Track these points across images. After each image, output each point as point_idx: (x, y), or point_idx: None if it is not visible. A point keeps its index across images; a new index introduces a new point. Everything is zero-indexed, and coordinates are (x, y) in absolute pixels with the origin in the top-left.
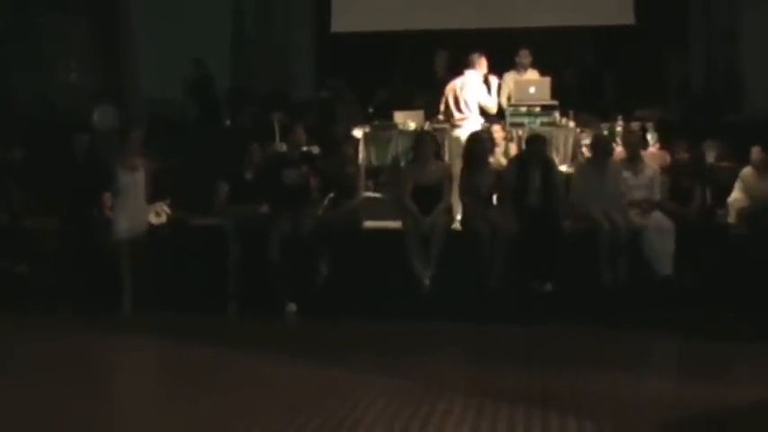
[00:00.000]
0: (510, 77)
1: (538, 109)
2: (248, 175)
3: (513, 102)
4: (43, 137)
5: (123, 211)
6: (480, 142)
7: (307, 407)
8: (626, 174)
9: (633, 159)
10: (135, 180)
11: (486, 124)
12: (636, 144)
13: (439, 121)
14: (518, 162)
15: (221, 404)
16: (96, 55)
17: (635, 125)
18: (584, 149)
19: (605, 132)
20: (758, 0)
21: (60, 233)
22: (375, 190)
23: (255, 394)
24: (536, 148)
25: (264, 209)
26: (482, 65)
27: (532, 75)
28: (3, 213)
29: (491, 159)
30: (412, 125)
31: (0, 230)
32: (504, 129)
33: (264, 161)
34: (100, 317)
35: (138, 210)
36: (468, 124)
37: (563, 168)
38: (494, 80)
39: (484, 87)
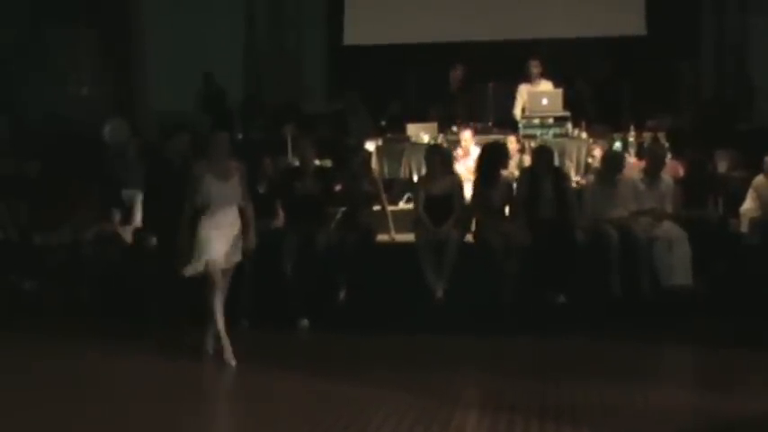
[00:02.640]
0: (524, 89)
1: (551, 120)
2: (260, 189)
3: (526, 113)
4: (55, 150)
5: (216, 229)
6: (492, 154)
7: (320, 422)
8: (641, 185)
9: (653, 171)
10: (228, 190)
11: (501, 136)
12: (660, 156)
13: (452, 133)
14: (529, 173)
15: (234, 419)
16: (107, 68)
17: (647, 135)
18: (590, 160)
19: (618, 143)
20: (766, 12)
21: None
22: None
23: (268, 409)
24: (543, 159)
25: (278, 223)
26: None
27: (545, 85)
28: (11, 229)
29: (504, 171)
30: (425, 138)
31: (9, 246)
32: (518, 140)
33: (277, 175)
34: (108, 334)
35: (233, 227)
36: None
37: (576, 179)
38: None
39: None
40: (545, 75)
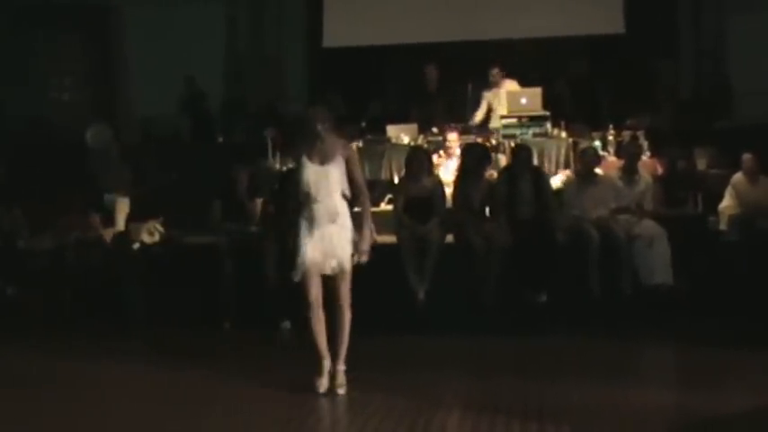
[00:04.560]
0: (487, 95)
1: (527, 120)
2: (240, 191)
3: (505, 113)
4: (37, 155)
5: (313, 229)
6: (474, 154)
7: (303, 422)
8: (619, 183)
9: (630, 169)
10: (327, 177)
11: (482, 136)
12: (636, 154)
13: (433, 134)
14: (507, 173)
15: (218, 419)
16: (89, 73)
17: (626, 134)
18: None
19: (597, 142)
20: (746, 7)
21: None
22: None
23: (252, 410)
24: (521, 157)
25: (256, 225)
26: None
27: (510, 85)
28: None
29: (485, 172)
30: (405, 139)
31: None
32: (486, 140)
33: (260, 177)
34: (93, 337)
35: (338, 224)
36: None
37: (558, 178)
38: None
39: None
40: (508, 75)
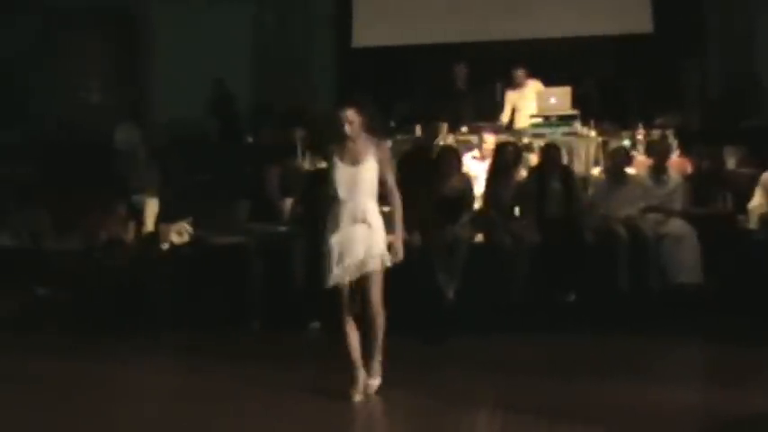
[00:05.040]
0: (511, 95)
1: (557, 119)
2: (269, 191)
3: (532, 112)
4: (67, 157)
5: (342, 231)
6: (506, 154)
7: (332, 419)
8: (649, 183)
9: (659, 168)
10: (358, 178)
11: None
12: (665, 153)
13: (462, 134)
14: (537, 172)
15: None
16: (118, 76)
17: (655, 133)
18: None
19: (626, 141)
20: None
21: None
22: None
23: (279, 410)
24: (550, 156)
25: (286, 225)
26: None
27: (534, 85)
28: (26, 236)
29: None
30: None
31: (23, 253)
32: (522, 140)
33: (291, 178)
34: (122, 337)
35: (369, 226)
36: None
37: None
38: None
39: None
40: (532, 75)
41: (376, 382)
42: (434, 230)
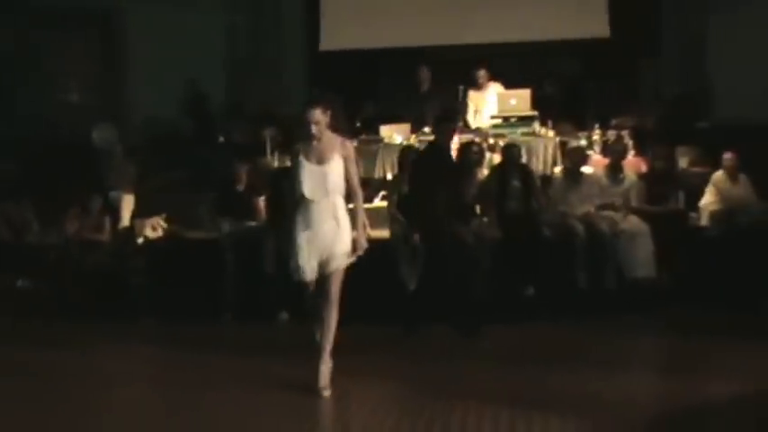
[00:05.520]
0: (473, 95)
1: (517, 119)
2: (239, 188)
3: (493, 113)
4: (46, 155)
5: (308, 229)
6: (468, 153)
7: (300, 407)
8: (605, 181)
9: (615, 167)
10: (324, 177)
11: (475, 136)
12: (620, 153)
13: (425, 134)
14: (498, 171)
15: (219, 402)
16: (95, 76)
17: (612, 133)
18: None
19: (583, 141)
20: (726, 11)
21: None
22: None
23: (248, 397)
24: (510, 155)
25: (258, 221)
26: None
27: (495, 88)
28: (6, 230)
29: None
30: (398, 138)
31: (3, 247)
32: (485, 140)
33: (259, 176)
34: (99, 328)
35: (334, 224)
36: None
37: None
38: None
39: None
40: (493, 78)
41: (328, 366)
42: (398, 226)
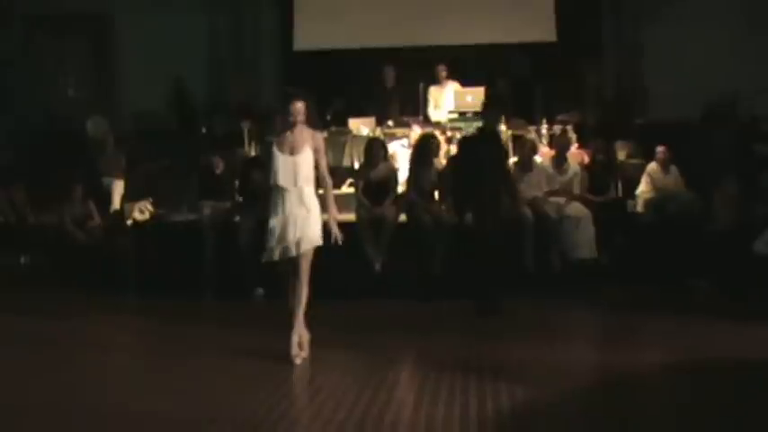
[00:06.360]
0: (433, 90)
1: (472, 114)
2: (218, 172)
3: (453, 109)
4: (45, 144)
5: (281, 215)
6: (426, 143)
7: (271, 375)
8: (551, 170)
9: (560, 158)
10: (296, 167)
11: (434, 129)
12: (565, 145)
13: (389, 127)
14: (454, 161)
15: (199, 369)
16: (90, 72)
17: (558, 128)
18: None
19: (533, 134)
20: (660, 18)
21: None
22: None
23: (228, 363)
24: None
25: (233, 204)
26: None
27: (453, 85)
28: (10, 213)
29: (435, 159)
30: (365, 131)
31: (7, 228)
32: (443, 133)
33: (235, 163)
34: (91, 301)
35: (306, 210)
36: None
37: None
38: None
39: None
40: (450, 77)
41: (305, 337)
42: (363, 210)
